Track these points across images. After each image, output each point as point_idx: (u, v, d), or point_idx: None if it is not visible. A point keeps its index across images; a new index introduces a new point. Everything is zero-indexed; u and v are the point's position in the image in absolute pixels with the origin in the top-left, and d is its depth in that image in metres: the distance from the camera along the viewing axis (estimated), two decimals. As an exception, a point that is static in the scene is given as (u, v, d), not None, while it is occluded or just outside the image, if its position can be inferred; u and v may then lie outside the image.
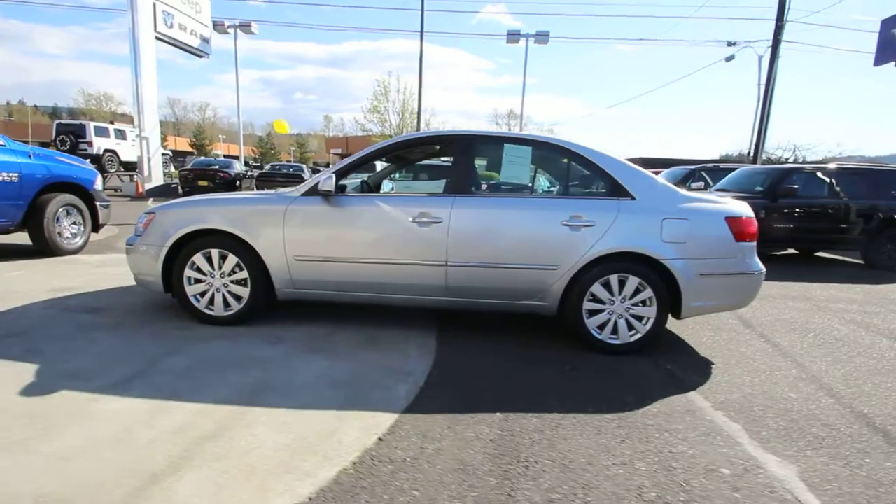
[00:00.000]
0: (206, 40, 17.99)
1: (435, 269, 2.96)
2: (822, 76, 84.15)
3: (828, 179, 6.88)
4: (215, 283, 3.11)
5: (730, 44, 19.36)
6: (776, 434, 2.10)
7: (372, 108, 31.51)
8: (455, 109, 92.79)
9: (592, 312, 2.92)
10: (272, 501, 1.52)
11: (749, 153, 17.89)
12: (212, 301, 3.13)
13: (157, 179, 15.74)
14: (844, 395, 2.53)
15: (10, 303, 3.42)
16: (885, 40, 13.35)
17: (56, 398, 2.11)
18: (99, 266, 4.85)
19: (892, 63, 13.41)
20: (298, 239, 3.03)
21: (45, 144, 15.60)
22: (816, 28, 43.94)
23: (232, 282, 3.11)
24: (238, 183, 16.17)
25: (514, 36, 20.70)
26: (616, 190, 2.95)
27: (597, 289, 2.88)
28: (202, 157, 26.23)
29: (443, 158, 8.29)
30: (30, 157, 4.93)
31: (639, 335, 2.91)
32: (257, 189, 15.24)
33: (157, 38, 15.15)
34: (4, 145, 4.75)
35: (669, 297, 2.87)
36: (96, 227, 5.67)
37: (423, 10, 18.76)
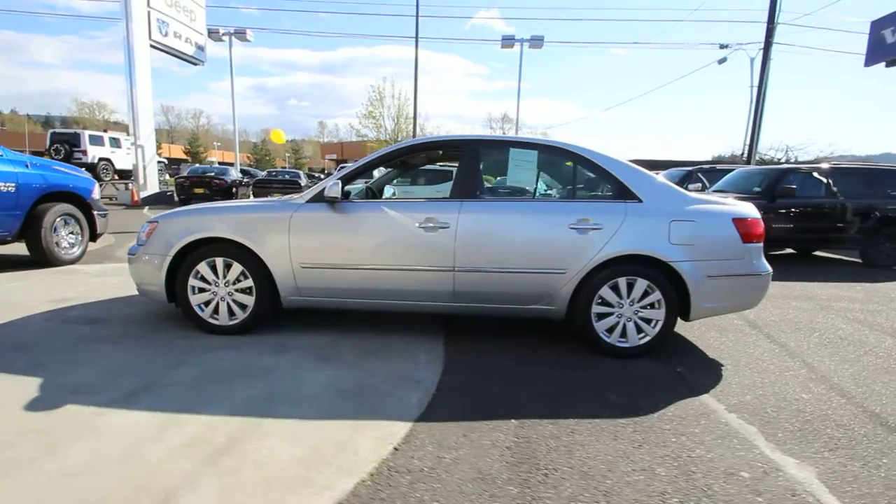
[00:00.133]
0: (200, 48, 17.91)
1: (442, 275, 2.94)
2: (814, 77, 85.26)
3: (825, 179, 6.94)
4: (220, 291, 3.07)
5: (722, 46, 19.54)
6: (792, 436, 2.09)
7: (367, 113, 31.53)
8: (448, 114, 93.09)
9: (601, 316, 2.91)
10: (290, 516, 1.48)
11: (742, 154, 18.03)
12: (216, 310, 3.10)
13: (153, 187, 15.61)
14: (855, 395, 2.53)
15: (9, 314, 3.36)
16: (876, 41, 13.52)
17: (61, 413, 2.06)
18: (98, 276, 4.79)
19: (883, 63, 13.58)
20: (304, 246, 3.00)
21: (39, 153, 15.50)
22: (807, 30, 44.44)
23: (236, 290, 3.07)
24: (234, 190, 16.09)
25: (508, 41, 20.79)
26: (623, 193, 2.95)
27: (605, 292, 2.87)
28: (197, 165, 26.08)
29: (442, 163, 8.38)
30: (27, 166, 4.88)
31: (648, 338, 2.91)
32: (254, 196, 15.18)
33: (151, 46, 15.06)
34: (1, 155, 4.69)
35: (678, 299, 2.86)
36: (94, 236, 5.61)
37: (417, 17, 18.88)
